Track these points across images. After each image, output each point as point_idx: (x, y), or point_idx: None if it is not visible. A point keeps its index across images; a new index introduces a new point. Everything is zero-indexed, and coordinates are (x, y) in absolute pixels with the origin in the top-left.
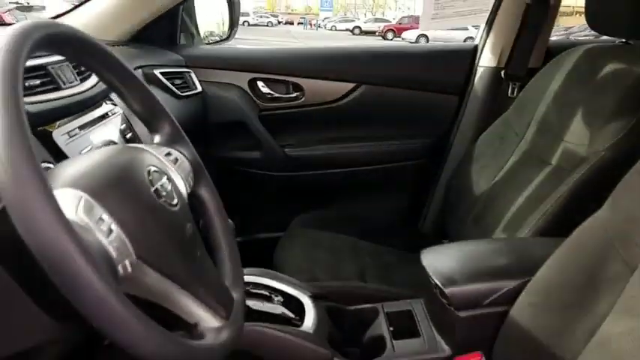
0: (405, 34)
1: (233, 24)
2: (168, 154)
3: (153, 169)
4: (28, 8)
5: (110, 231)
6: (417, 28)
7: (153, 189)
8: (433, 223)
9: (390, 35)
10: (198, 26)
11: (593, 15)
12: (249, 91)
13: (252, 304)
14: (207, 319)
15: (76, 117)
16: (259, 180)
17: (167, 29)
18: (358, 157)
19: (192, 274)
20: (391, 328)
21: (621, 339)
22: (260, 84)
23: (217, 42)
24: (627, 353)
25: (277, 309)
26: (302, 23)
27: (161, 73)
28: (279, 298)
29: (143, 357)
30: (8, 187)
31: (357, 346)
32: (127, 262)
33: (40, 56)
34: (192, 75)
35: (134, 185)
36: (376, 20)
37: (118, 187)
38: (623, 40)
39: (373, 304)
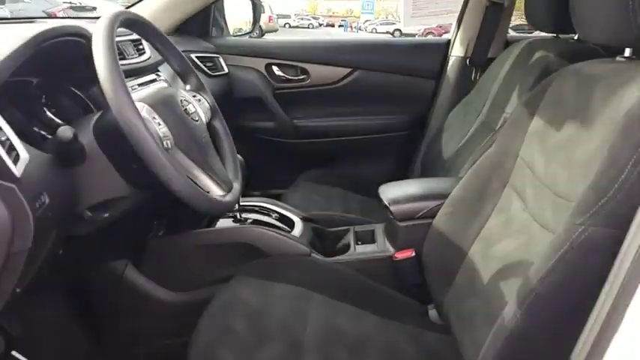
0: (445, 36)
1: (255, 21)
2: (195, 96)
3: (184, 99)
4: (81, 8)
5: (159, 124)
6: None
7: (183, 109)
8: None
9: (430, 37)
10: (228, 24)
11: (530, 14)
12: (265, 74)
13: (256, 216)
14: (214, 190)
15: (135, 78)
16: (272, 145)
17: (202, 23)
18: (353, 128)
19: (206, 162)
20: (357, 241)
21: (494, 228)
22: (275, 68)
23: (242, 35)
24: (497, 235)
25: (273, 222)
26: (342, 26)
27: (196, 57)
28: (276, 215)
29: (176, 193)
30: (114, 102)
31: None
32: (168, 143)
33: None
34: (221, 59)
35: (173, 105)
36: None
37: (164, 104)
38: (555, 34)
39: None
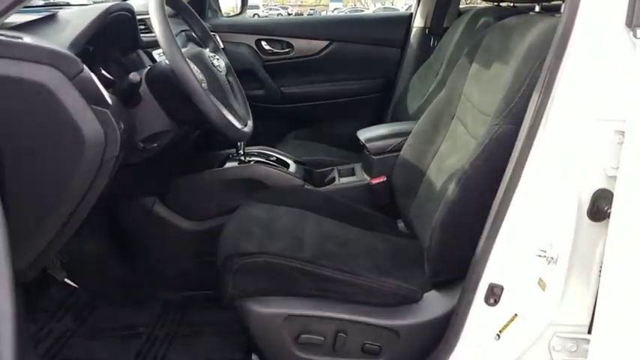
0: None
1: (244, 4)
2: (214, 56)
3: (209, 55)
4: None
5: (198, 72)
6: None
7: (210, 62)
8: None
9: (394, 12)
10: (221, 6)
11: None
12: (255, 48)
13: (257, 159)
14: (235, 123)
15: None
16: (263, 110)
17: (198, 6)
18: (332, 92)
19: (229, 103)
20: (340, 175)
21: (445, 149)
22: (263, 43)
23: (233, 16)
24: (447, 154)
25: (272, 163)
26: (311, 14)
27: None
28: (274, 158)
29: (212, 121)
30: (169, 53)
31: (320, 187)
32: (205, 85)
33: (143, 13)
34: (217, 37)
35: (204, 59)
36: (385, 9)
37: (198, 58)
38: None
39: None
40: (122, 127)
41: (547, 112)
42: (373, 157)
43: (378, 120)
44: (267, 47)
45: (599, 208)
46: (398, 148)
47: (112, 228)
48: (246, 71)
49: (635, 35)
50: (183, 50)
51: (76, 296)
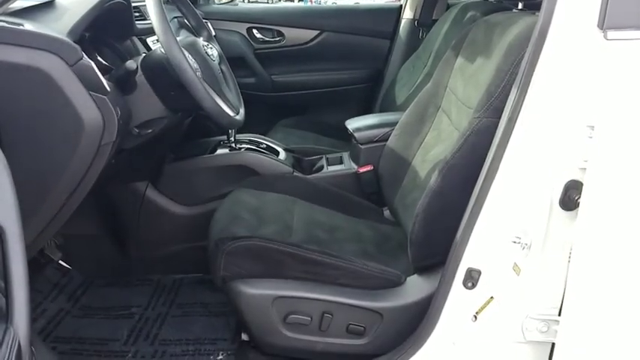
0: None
1: None
2: (207, 45)
3: (203, 44)
4: None
5: (192, 61)
6: None
7: (204, 51)
8: None
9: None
10: None
11: None
12: (247, 36)
13: (248, 146)
14: (228, 110)
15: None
16: (253, 98)
17: None
18: (322, 82)
19: (222, 91)
20: (329, 163)
21: (430, 140)
22: (255, 31)
23: (225, 3)
24: (431, 145)
25: (262, 150)
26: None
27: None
28: (264, 145)
29: (206, 109)
30: (164, 42)
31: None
32: (199, 74)
33: (138, 0)
34: (209, 24)
35: (198, 48)
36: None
37: (192, 47)
38: None
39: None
40: (119, 113)
41: (524, 107)
42: (361, 146)
43: (367, 110)
44: (258, 35)
45: (570, 197)
46: (385, 138)
47: (106, 211)
48: (237, 59)
49: (605, 37)
50: (178, 39)
51: (70, 277)
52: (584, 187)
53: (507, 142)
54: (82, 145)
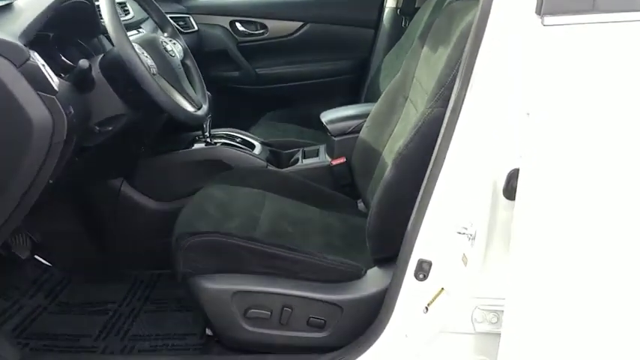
0: None
1: None
2: (170, 40)
3: (163, 41)
4: None
5: (146, 57)
6: None
7: (163, 47)
8: None
9: None
10: None
11: None
12: (230, 29)
13: (223, 140)
14: (187, 106)
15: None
16: (238, 92)
17: None
18: (306, 74)
19: (182, 87)
20: (305, 157)
21: (398, 131)
22: (238, 24)
23: None
24: (399, 135)
25: (237, 144)
26: None
27: (169, 17)
28: (240, 139)
29: (160, 104)
30: (116, 40)
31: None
32: (154, 70)
33: None
34: (191, 18)
35: (155, 44)
36: None
37: (149, 43)
38: None
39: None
40: (71, 111)
41: (467, 96)
42: (334, 138)
43: (353, 100)
44: (241, 28)
45: (514, 187)
46: (358, 130)
47: (84, 209)
48: (220, 53)
49: (543, 23)
50: (136, 36)
51: (49, 274)
52: (519, 176)
53: (452, 132)
54: (32, 144)
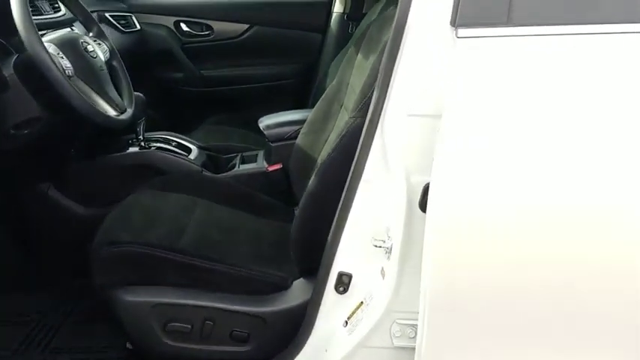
0: None
1: None
2: (95, 40)
3: (84, 41)
4: None
5: (62, 58)
6: None
7: (83, 48)
8: None
9: None
10: None
11: None
12: (174, 30)
13: (159, 145)
14: (109, 110)
15: (53, 31)
16: (182, 94)
17: None
18: (253, 76)
19: (103, 89)
20: (243, 162)
21: (332, 139)
22: (182, 24)
23: None
24: (333, 143)
25: (172, 149)
26: None
27: (110, 15)
28: (176, 143)
29: (76, 107)
30: (27, 41)
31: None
32: (70, 72)
33: None
34: (134, 18)
35: (74, 44)
36: None
37: (67, 43)
38: None
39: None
40: None
41: (384, 107)
42: (271, 144)
43: (301, 105)
44: (186, 29)
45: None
46: (295, 136)
47: (8, 213)
48: (164, 53)
49: (457, 35)
50: (53, 36)
51: None
52: (430, 187)
53: (370, 143)
54: None
